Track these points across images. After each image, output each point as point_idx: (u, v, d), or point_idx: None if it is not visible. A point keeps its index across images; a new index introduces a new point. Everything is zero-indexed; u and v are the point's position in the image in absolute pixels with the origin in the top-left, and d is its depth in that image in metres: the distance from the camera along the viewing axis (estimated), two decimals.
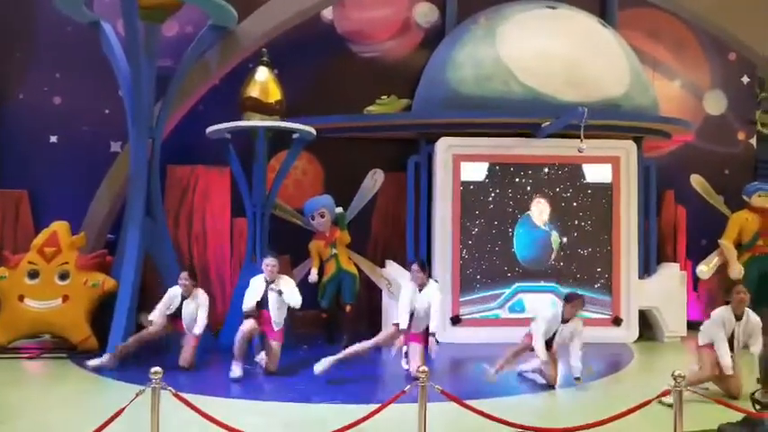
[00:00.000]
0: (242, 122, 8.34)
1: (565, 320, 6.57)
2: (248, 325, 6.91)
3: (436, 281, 7.02)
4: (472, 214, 9.06)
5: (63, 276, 7.99)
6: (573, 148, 7.97)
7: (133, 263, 7.63)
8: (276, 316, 6.99)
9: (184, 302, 7.28)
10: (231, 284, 9.13)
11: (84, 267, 8.04)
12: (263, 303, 7.02)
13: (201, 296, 7.34)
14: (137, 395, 4.33)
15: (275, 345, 7.00)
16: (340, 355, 6.75)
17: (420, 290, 6.83)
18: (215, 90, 9.30)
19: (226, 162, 8.73)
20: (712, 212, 10.14)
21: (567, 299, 6.66)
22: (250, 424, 4.72)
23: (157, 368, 4.39)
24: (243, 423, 4.58)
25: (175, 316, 7.30)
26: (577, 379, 6.44)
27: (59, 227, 8.27)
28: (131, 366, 6.93)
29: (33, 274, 7.97)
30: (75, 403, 6.00)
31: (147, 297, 8.40)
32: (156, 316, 7.25)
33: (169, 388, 4.42)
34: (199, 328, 7.20)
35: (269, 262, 7.10)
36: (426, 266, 7.01)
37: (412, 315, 6.79)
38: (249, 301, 7.02)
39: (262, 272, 7.13)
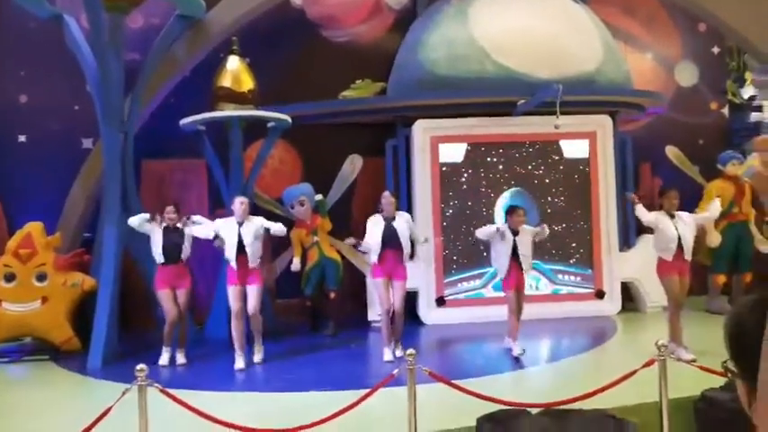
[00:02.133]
0: (215, 113, 8.22)
1: (515, 233, 6.77)
2: (237, 317, 6.82)
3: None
4: (452, 195, 9.06)
5: (41, 278, 7.85)
6: (550, 126, 7.99)
7: (112, 260, 7.51)
8: (252, 254, 6.83)
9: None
10: (214, 277, 9.05)
11: (62, 267, 7.90)
12: (240, 248, 6.82)
13: (186, 229, 7.15)
14: (123, 393, 4.28)
15: (255, 290, 6.84)
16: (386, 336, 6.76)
17: (391, 221, 6.88)
18: (186, 81, 9.13)
19: (201, 154, 8.61)
20: (688, 183, 10.23)
21: (507, 212, 6.94)
22: (239, 415, 4.69)
23: (142, 365, 4.34)
24: (232, 415, 4.56)
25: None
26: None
27: (33, 228, 8.10)
28: (116, 364, 6.85)
29: (9, 278, 7.81)
30: (62, 405, 5.93)
31: (129, 293, 8.32)
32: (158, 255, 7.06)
33: (156, 384, 4.38)
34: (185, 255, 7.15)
35: (242, 200, 7.02)
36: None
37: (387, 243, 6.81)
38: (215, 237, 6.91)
39: None
